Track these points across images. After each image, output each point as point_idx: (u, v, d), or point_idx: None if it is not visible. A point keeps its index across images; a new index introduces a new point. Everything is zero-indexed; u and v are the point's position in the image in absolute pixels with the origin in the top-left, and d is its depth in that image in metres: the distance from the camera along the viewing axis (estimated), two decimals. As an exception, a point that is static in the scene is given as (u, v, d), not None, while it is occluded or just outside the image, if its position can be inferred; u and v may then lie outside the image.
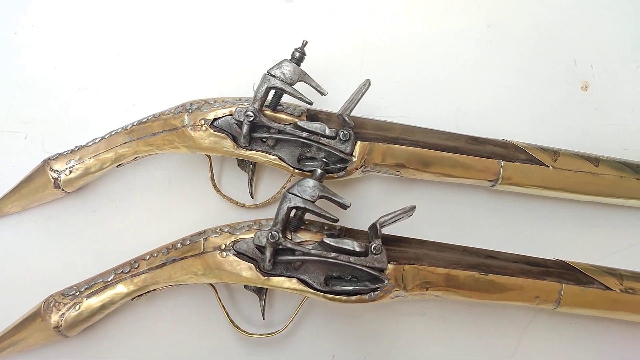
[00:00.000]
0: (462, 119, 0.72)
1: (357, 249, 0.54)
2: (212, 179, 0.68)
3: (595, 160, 0.66)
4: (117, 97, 0.72)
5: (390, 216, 0.55)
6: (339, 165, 0.62)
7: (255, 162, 0.66)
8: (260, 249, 0.56)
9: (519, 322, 0.64)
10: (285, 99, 0.63)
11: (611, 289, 0.59)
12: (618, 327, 0.64)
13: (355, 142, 0.62)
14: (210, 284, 0.60)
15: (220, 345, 0.62)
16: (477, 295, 0.59)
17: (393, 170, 0.65)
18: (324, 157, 0.62)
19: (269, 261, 0.55)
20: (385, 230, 0.59)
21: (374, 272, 0.54)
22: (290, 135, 0.60)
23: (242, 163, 0.68)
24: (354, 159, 0.62)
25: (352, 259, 0.55)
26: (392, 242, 0.59)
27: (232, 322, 0.60)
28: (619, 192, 0.66)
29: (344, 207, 0.57)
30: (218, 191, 0.68)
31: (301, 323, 0.64)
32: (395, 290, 0.57)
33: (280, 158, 0.62)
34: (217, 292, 0.61)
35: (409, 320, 0.63)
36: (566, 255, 0.64)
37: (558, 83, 0.73)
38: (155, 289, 0.60)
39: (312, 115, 0.64)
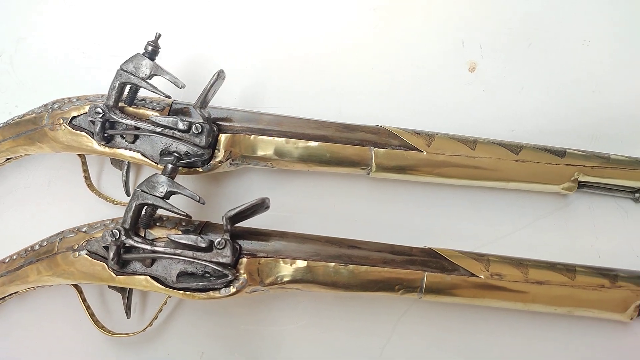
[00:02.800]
0: (346, 106, 0.70)
1: (201, 245, 0.53)
2: (87, 178, 0.67)
3: (472, 143, 0.64)
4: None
5: (237, 210, 0.54)
6: (203, 159, 0.61)
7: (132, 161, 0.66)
8: (107, 248, 0.55)
9: (394, 313, 0.62)
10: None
11: (476, 276, 0.57)
12: (493, 315, 0.62)
13: (218, 135, 0.62)
14: (74, 285, 0.60)
15: (91, 346, 0.62)
16: (339, 287, 0.57)
17: (264, 162, 0.64)
18: (186, 152, 0.61)
19: (112, 260, 0.54)
20: (252, 223, 0.58)
21: (218, 268, 0.53)
22: (145, 131, 0.59)
23: (115, 161, 0.66)
24: (219, 152, 0.62)
25: (196, 254, 0.54)
26: (251, 236, 0.58)
27: (95, 322, 0.60)
28: (497, 175, 0.64)
29: (201, 202, 0.56)
30: (93, 190, 0.67)
31: (172, 321, 0.63)
32: (251, 285, 0.56)
33: (142, 154, 0.61)
34: (80, 293, 0.60)
35: (281, 315, 0.62)
36: (448, 242, 0.62)
37: (445, 65, 0.71)
38: (17, 292, 0.60)
39: (177, 110, 0.63)
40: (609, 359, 0.61)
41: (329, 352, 0.61)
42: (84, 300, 0.60)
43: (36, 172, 0.69)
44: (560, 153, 0.64)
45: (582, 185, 0.66)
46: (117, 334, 0.60)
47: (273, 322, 0.63)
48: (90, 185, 0.67)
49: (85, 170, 0.67)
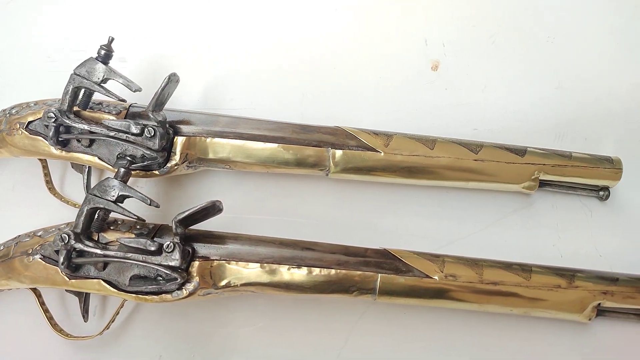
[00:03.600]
0: (307, 107, 0.70)
1: (150, 248, 0.53)
2: (48, 182, 0.67)
3: (431, 143, 0.63)
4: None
5: (186, 213, 0.54)
6: (158, 162, 0.61)
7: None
8: (58, 252, 0.55)
9: (351, 315, 0.62)
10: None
11: (430, 277, 0.57)
12: (452, 316, 0.62)
13: (174, 138, 0.62)
14: (32, 289, 0.60)
15: (50, 349, 0.62)
16: (293, 290, 0.57)
17: (222, 165, 0.64)
18: (142, 155, 0.61)
19: (63, 264, 0.54)
20: (209, 226, 0.58)
21: (167, 271, 0.53)
22: (99, 135, 0.59)
23: (76, 165, 0.66)
24: (175, 155, 0.62)
25: (146, 258, 0.54)
26: (204, 239, 0.58)
27: (54, 326, 0.60)
28: (456, 174, 0.63)
29: (154, 205, 0.56)
30: (55, 194, 0.67)
31: (131, 323, 0.63)
32: (203, 288, 0.56)
33: (99, 158, 0.61)
34: (38, 297, 0.60)
35: (239, 317, 0.62)
36: (409, 243, 0.61)
37: (407, 65, 0.70)
38: (-24, 296, 0.61)
39: (134, 113, 0.63)
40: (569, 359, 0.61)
41: (287, 354, 0.61)
42: (42, 304, 0.60)
43: (1, 175, 0.70)
44: (521, 152, 0.64)
45: (544, 184, 0.65)
46: (74, 337, 0.60)
47: (231, 323, 0.62)
48: (51, 189, 0.67)
49: (47, 174, 0.67)
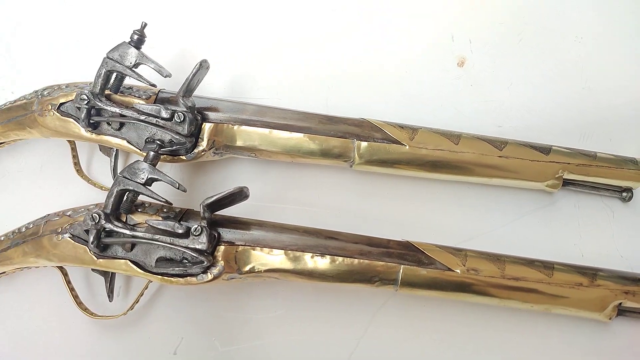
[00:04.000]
0: (332, 100, 0.70)
1: (178, 231, 0.54)
2: (76, 163, 0.69)
3: (456, 138, 0.63)
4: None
5: (214, 197, 0.54)
6: (186, 147, 0.62)
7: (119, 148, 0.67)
8: (88, 231, 0.56)
9: (372, 305, 0.63)
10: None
11: (452, 270, 0.57)
12: (471, 310, 0.62)
13: (202, 124, 0.63)
14: (59, 267, 0.61)
15: (74, 327, 0.63)
16: (316, 277, 0.58)
17: (248, 152, 0.64)
18: (170, 140, 0.61)
19: (92, 243, 0.55)
20: (233, 212, 0.59)
21: (194, 254, 0.54)
22: (129, 118, 0.60)
23: (104, 148, 0.68)
24: (202, 141, 0.62)
25: (173, 240, 0.55)
26: (230, 224, 0.59)
27: (79, 304, 0.61)
28: (480, 170, 0.63)
29: (182, 189, 0.57)
30: (82, 176, 0.68)
31: (154, 305, 0.64)
32: (228, 273, 0.57)
33: (128, 141, 0.62)
34: (65, 275, 0.61)
35: (260, 304, 0.63)
36: (430, 237, 0.62)
37: (433, 60, 0.71)
38: (5, 272, 0.62)
39: (163, 99, 0.63)
40: (588, 358, 0.61)
41: (306, 341, 0.62)
42: (68, 283, 0.62)
43: (29, 157, 0.71)
44: (545, 150, 0.64)
45: (567, 183, 0.65)
46: (99, 316, 0.61)
47: (253, 310, 0.63)
48: (79, 171, 0.68)
49: (75, 156, 0.68)
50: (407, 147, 0.63)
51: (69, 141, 0.67)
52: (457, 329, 0.62)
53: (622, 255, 0.64)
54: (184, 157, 0.63)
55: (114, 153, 0.67)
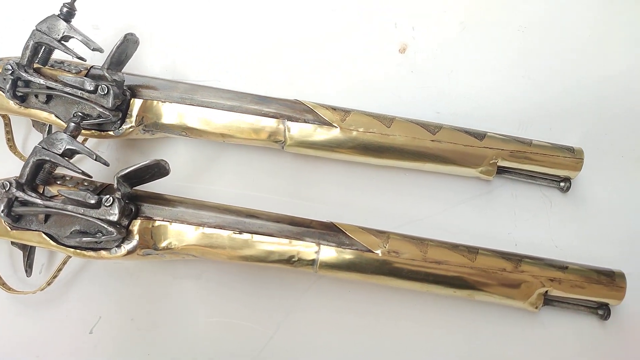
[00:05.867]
0: (271, 81, 0.69)
1: (90, 201, 0.53)
2: (9, 139, 0.68)
3: (388, 121, 0.63)
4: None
5: (129, 169, 0.53)
6: (111, 121, 0.61)
7: (50, 123, 0.66)
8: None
9: (296, 290, 0.61)
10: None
11: (372, 251, 0.56)
12: (397, 298, 0.60)
13: (131, 100, 0.62)
14: (-22, 241, 0.61)
15: (-7, 302, 0.62)
16: (233, 255, 0.56)
17: (179, 131, 0.63)
18: (98, 115, 0.61)
19: (3, 212, 0.54)
20: (162, 191, 0.58)
21: (104, 225, 0.53)
22: (55, 91, 0.59)
23: (37, 124, 0.67)
24: (130, 117, 0.62)
25: (86, 211, 0.53)
26: (151, 199, 0.58)
27: (-5, 278, 0.60)
28: (412, 154, 0.62)
29: (102, 162, 0.56)
30: (15, 152, 0.68)
31: (75, 283, 0.62)
32: (143, 248, 0.56)
33: (56, 115, 0.62)
34: (-17, 249, 0.61)
35: (184, 283, 0.62)
36: (362, 222, 0.60)
37: (376, 47, 0.70)
38: None
39: (94, 75, 0.62)
40: (515, 349, 0.59)
41: (226, 324, 0.60)
42: (-14, 257, 0.61)
43: (-35, 133, 0.71)
44: (480, 135, 0.63)
45: (503, 171, 0.64)
46: (16, 291, 0.60)
47: (174, 291, 0.62)
48: (12, 146, 0.67)
49: (8, 132, 0.67)
50: (339, 128, 0.62)
51: (2, 116, 0.67)
52: (381, 317, 0.60)
53: (557, 245, 0.62)
54: (111, 133, 0.62)
55: (47, 129, 0.67)
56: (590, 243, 0.61)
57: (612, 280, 0.55)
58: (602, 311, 0.58)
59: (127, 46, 0.59)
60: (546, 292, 0.56)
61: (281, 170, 0.65)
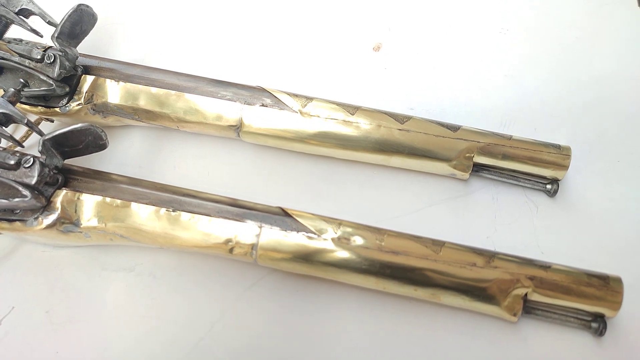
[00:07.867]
0: (241, 73, 0.66)
1: (9, 162, 0.48)
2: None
3: (353, 109, 0.57)
4: None
5: (54, 133, 0.49)
6: (57, 95, 0.57)
7: None
8: None
9: (240, 285, 0.52)
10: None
11: (320, 237, 0.47)
12: (351, 297, 0.51)
13: (82, 76, 0.59)
14: None
15: None
16: (164, 237, 0.49)
17: (130, 113, 0.60)
18: (45, 89, 0.58)
19: None
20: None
21: (21, 188, 0.47)
22: (5, 62, 0.57)
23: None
24: (80, 94, 0.58)
25: (2, 172, 0.48)
26: (84, 174, 0.53)
27: None
28: (376, 144, 0.56)
29: (40, 134, 0.52)
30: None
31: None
32: (64, 223, 0.49)
33: (4, 90, 0.59)
34: None
35: (113, 276, 0.54)
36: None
37: (351, 45, 0.67)
38: None
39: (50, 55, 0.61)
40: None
41: (157, 318, 0.51)
42: None
43: None
44: (453, 128, 0.57)
45: (481, 169, 0.58)
46: None
47: (99, 283, 0.54)
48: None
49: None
50: (299, 114, 0.57)
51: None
52: (327, 319, 0.50)
53: (544, 252, 0.53)
54: (58, 110, 0.59)
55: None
56: (580, 250, 0.52)
57: (606, 283, 0.46)
58: (597, 324, 0.47)
59: (80, 17, 0.57)
60: (525, 294, 0.46)
61: (238, 162, 0.60)
